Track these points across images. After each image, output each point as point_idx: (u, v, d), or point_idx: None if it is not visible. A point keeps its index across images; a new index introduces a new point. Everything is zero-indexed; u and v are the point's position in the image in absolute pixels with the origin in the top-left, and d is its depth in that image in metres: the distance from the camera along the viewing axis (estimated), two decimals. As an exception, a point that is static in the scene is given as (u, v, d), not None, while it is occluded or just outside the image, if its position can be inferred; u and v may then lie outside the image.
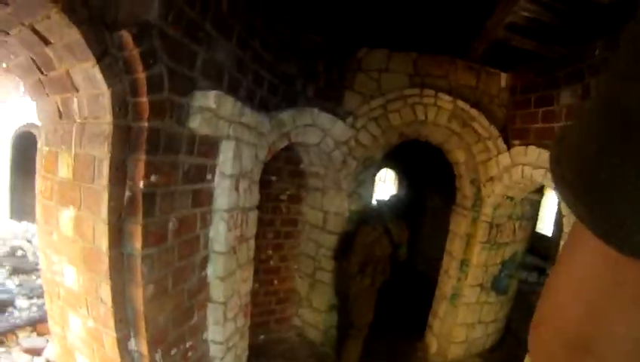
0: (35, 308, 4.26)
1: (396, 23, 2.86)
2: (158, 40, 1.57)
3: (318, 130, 3.15)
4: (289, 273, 3.89)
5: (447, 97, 3.39)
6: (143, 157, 1.57)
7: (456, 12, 2.58)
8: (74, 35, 1.38)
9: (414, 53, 3.43)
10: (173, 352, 1.97)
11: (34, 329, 3.90)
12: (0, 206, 6.97)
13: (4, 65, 1.85)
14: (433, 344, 4.38)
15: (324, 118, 3.11)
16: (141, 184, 1.58)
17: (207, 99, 1.80)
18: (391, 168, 10.21)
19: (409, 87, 3.42)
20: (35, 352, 3.50)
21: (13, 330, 3.83)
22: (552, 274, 0.37)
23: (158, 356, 1.81)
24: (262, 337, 3.80)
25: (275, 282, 3.89)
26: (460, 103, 3.41)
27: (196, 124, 1.81)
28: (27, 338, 3.75)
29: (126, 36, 1.50)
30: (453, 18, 2.66)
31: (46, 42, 1.49)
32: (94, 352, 1.86)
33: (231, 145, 2.06)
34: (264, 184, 3.26)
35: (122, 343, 1.74)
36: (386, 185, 15.33)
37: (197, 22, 1.75)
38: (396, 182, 11.62)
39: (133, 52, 1.52)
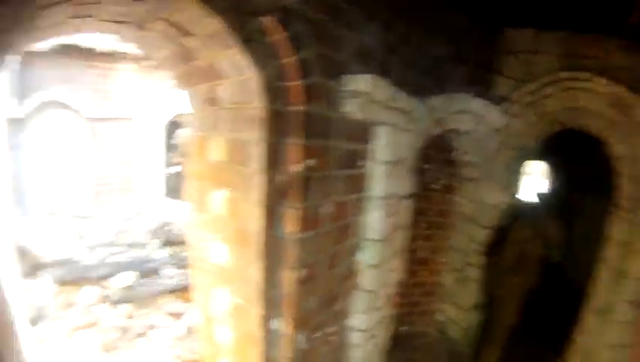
0: (180, 277, 4.71)
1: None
2: (301, 24, 1.56)
3: (471, 117, 3.00)
4: (437, 266, 3.77)
5: (602, 81, 3.02)
6: (298, 141, 1.59)
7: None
8: (215, 24, 1.42)
9: (564, 33, 3.11)
10: (315, 336, 2.01)
11: (177, 296, 4.36)
12: (154, 186, 7.77)
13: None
14: None
15: (478, 104, 2.96)
16: (296, 168, 1.60)
17: (361, 82, 1.77)
18: (542, 160, 9.68)
19: (560, 70, 3.11)
20: (176, 316, 3.89)
21: (158, 295, 4.33)
22: None
23: (300, 337, 1.86)
24: (403, 329, 3.77)
25: (423, 274, 3.80)
26: (616, 88, 3.02)
27: (350, 108, 1.79)
28: (170, 303, 4.20)
29: (269, 22, 1.50)
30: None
31: (187, 33, 1.55)
32: (237, 326, 1.96)
33: (385, 130, 2.02)
34: (417, 172, 3.22)
35: (266, 321, 1.80)
36: (536, 179, 14.60)
37: (340, 5, 1.72)
38: (547, 176, 10.95)
39: (279, 37, 1.52)
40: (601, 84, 3.04)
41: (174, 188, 7.90)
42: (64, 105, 6.67)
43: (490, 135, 3.13)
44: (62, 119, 6.90)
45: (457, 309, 3.69)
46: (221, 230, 1.86)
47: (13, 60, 5.30)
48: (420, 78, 2.45)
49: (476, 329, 3.64)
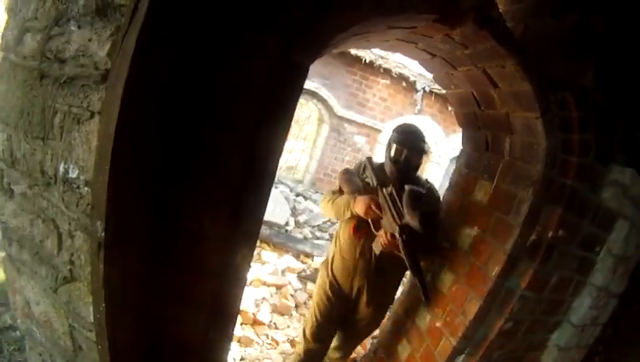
0: None
1: None
2: (591, 107, 1.65)
3: None
4: None
5: None
6: (559, 210, 1.69)
7: None
8: (525, 86, 1.58)
9: None
10: None
11: None
12: None
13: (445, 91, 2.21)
14: None
15: None
16: (550, 233, 1.70)
17: (623, 175, 1.81)
18: None
19: None
20: None
21: None
22: None
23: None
24: None
25: None
26: None
27: (606, 195, 1.82)
28: None
29: (570, 98, 1.62)
30: None
31: (494, 85, 1.74)
32: (422, 347, 2.15)
33: (626, 225, 2.00)
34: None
35: (454, 354, 1.93)
36: None
37: (624, 96, 1.75)
38: None
39: (573, 114, 1.64)
40: None
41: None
42: (319, 98, 7.60)
43: None
44: (312, 109, 7.92)
45: None
46: (456, 260, 2.05)
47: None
48: None
49: None
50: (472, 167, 2.12)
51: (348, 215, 2.18)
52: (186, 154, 0.96)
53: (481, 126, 2.06)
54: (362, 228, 2.22)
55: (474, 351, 1.93)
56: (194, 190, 0.99)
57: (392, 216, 1.98)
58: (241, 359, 3.03)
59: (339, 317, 2.50)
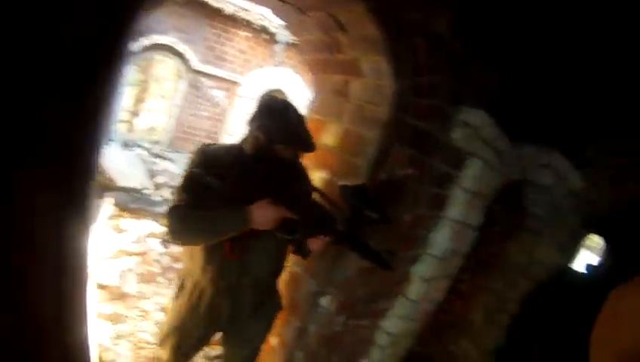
0: None
1: None
2: (444, 53, 1.73)
3: (552, 174, 3.03)
4: (472, 303, 3.79)
5: None
6: (407, 150, 1.76)
7: None
8: (373, 30, 1.58)
9: None
10: (350, 322, 2.14)
11: None
12: None
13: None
14: None
15: (563, 164, 3.00)
16: (398, 172, 1.77)
17: (473, 116, 1.92)
18: (604, 236, 9.26)
19: None
20: None
21: None
22: None
23: (339, 319, 2.02)
24: (416, 348, 3.80)
25: (455, 305, 3.81)
26: None
27: (457, 135, 1.93)
28: None
29: (420, 43, 1.67)
30: None
31: (343, 29, 1.72)
32: (286, 291, 2.10)
33: (478, 163, 2.15)
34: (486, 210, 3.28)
35: (317, 296, 1.97)
36: (593, 253, 13.90)
37: (481, 42, 1.85)
38: (605, 253, 10.34)
39: (423, 58, 1.69)
40: None
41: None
42: (176, 52, 7.17)
43: (565, 196, 3.16)
44: (169, 65, 7.48)
45: (477, 348, 3.71)
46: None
47: None
48: (522, 125, 2.50)
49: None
50: (322, 111, 2.11)
51: (235, 233, 1.53)
52: None
53: (331, 71, 2.05)
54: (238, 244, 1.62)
55: (337, 291, 1.96)
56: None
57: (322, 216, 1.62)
58: (117, 337, 2.83)
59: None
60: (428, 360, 3.78)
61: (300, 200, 1.61)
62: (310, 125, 2.11)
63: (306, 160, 2.06)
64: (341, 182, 1.72)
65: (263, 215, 1.49)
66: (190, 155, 1.62)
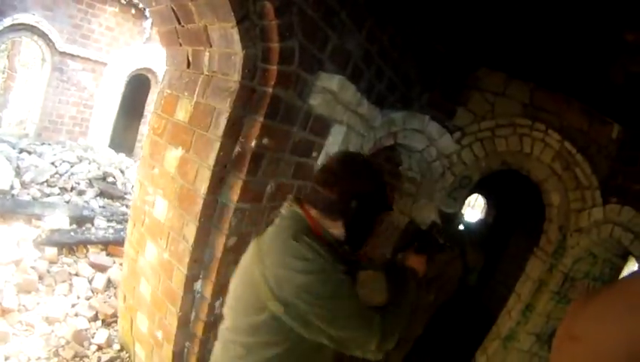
0: (111, 231, 4.56)
1: (518, 50, 2.80)
2: (296, 17, 1.66)
3: (424, 138, 3.16)
4: None
5: (556, 135, 3.31)
6: (260, 119, 1.68)
7: (580, 53, 2.49)
8: None
9: (532, 84, 3.35)
10: None
11: (104, 249, 4.21)
12: (101, 135, 7.57)
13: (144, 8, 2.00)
14: None
15: (433, 127, 3.12)
16: (253, 143, 1.69)
17: (331, 82, 1.87)
18: (483, 196, 10.08)
19: (521, 116, 3.36)
20: (100, 268, 3.77)
21: (85, 244, 4.16)
22: None
23: (218, 303, 1.93)
24: None
25: None
26: (568, 145, 3.32)
27: (316, 102, 1.89)
28: (96, 254, 4.07)
29: (268, 7, 1.59)
30: (576, 56, 2.56)
31: None
32: (160, 282, 2.03)
33: (342, 130, 2.14)
34: None
35: (189, 282, 1.88)
36: (473, 212, 15.08)
37: (335, 8, 1.82)
38: (484, 211, 11.37)
39: (273, 23, 1.61)
40: (554, 138, 3.31)
41: (121, 141, 7.77)
42: (40, 33, 6.42)
43: (438, 158, 3.31)
44: (33, 46, 6.64)
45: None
46: (167, 186, 1.92)
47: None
48: (387, 91, 2.59)
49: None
50: (174, 86, 1.98)
51: None
52: None
53: (182, 42, 1.92)
54: None
55: (208, 273, 1.90)
56: None
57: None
58: (6, 359, 2.55)
59: None
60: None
61: None
62: (164, 102, 1.99)
63: (161, 135, 1.94)
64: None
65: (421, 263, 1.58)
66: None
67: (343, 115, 2.09)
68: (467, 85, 3.36)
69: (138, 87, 7.97)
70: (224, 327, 1.36)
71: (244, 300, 1.28)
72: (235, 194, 1.74)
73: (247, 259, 1.34)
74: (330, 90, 1.89)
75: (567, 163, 3.45)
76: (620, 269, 4.10)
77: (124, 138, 8.12)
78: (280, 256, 1.19)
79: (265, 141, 1.72)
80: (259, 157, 1.74)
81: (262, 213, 1.93)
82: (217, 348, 1.39)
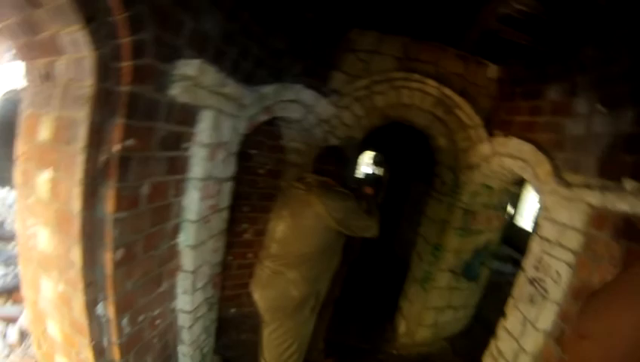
0: (11, 277, 4.21)
1: (389, 6, 2.85)
2: (146, 6, 1.57)
3: (300, 106, 3.16)
4: (255, 248, 3.84)
5: (433, 83, 3.41)
6: (121, 121, 1.58)
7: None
8: None
9: (405, 38, 3.42)
10: (140, 319, 1.99)
11: (9, 298, 3.87)
12: None
13: None
14: (402, 325, 4.47)
15: (308, 95, 3.11)
16: (117, 148, 1.59)
17: (189, 67, 1.80)
18: (376, 152, 10.27)
19: (397, 70, 3.42)
20: (10, 320, 3.46)
21: None
22: None
23: (124, 321, 1.83)
24: (233, 310, 3.81)
25: (249, 256, 3.86)
26: (446, 90, 3.44)
27: (176, 91, 1.82)
28: (2, 307, 3.72)
29: (114, 0, 1.50)
30: (447, 5, 2.66)
31: (35, 5, 1.49)
32: (64, 316, 1.88)
33: (210, 114, 2.08)
34: (244, 157, 3.28)
35: (90, 307, 1.75)
36: (370, 169, 15.36)
37: None
38: (380, 166, 11.56)
39: (121, 17, 1.51)
40: (431, 86, 3.42)
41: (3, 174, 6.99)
42: None
43: (318, 124, 3.34)
44: None
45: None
46: (43, 213, 1.77)
47: None
48: (255, 67, 2.54)
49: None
50: (34, 104, 1.82)
51: None
52: None
53: (35, 55, 1.76)
54: None
55: (105, 293, 1.78)
56: None
57: None
58: None
59: None
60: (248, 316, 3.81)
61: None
62: (26, 123, 1.83)
63: (29, 159, 1.80)
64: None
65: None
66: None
67: (208, 100, 2.04)
68: (341, 48, 3.38)
69: (14, 110, 7.16)
70: (266, 262, 2.56)
71: (302, 227, 2.46)
72: (110, 205, 1.63)
73: (295, 207, 2.50)
74: (189, 76, 1.82)
75: (448, 107, 3.60)
76: (519, 195, 4.34)
77: (4, 169, 7.21)
78: (333, 197, 2.45)
79: (129, 143, 1.62)
80: (126, 161, 1.64)
81: (143, 217, 1.85)
82: (264, 279, 2.56)
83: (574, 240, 2.32)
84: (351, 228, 2.50)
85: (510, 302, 2.84)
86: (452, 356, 4.35)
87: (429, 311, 4.28)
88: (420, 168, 6.82)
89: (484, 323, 2.78)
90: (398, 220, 8.43)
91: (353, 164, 4.32)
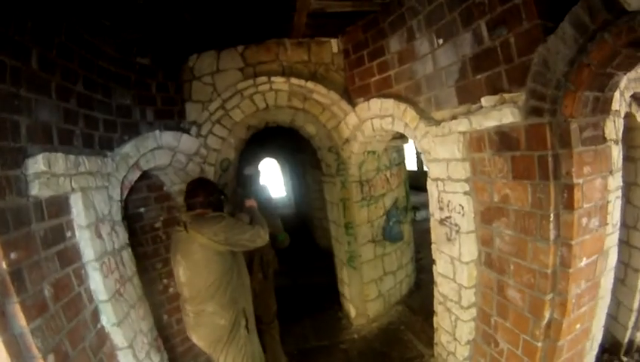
0: None
1: (209, 22, 2.88)
2: None
3: (166, 150, 3.14)
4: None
5: (280, 79, 3.52)
6: (-4, 240, 1.54)
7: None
8: None
9: (241, 47, 3.51)
10: None
11: None
12: None
13: None
14: (351, 309, 4.55)
15: (168, 137, 3.11)
16: (3, 264, 1.54)
17: (37, 163, 1.76)
18: (272, 158, 10.39)
19: (243, 81, 3.49)
20: None
21: None
22: None
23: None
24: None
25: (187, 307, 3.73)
26: (294, 80, 3.54)
27: (36, 189, 1.77)
28: None
29: None
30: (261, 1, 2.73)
31: None
32: None
33: (77, 196, 2.07)
34: (135, 218, 3.25)
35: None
36: (277, 177, 15.66)
37: (10, 92, 1.71)
38: (281, 170, 11.84)
39: None
40: (278, 82, 3.53)
41: None
42: None
43: (190, 160, 3.38)
44: None
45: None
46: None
47: None
48: (107, 132, 2.54)
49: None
50: None
51: None
52: None
53: None
54: None
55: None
56: None
57: None
58: None
59: None
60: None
61: None
62: None
63: None
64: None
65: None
66: None
67: (70, 184, 2.02)
68: (185, 80, 3.44)
69: None
70: (187, 307, 2.65)
71: (195, 263, 2.51)
72: (21, 320, 1.60)
73: (182, 248, 2.55)
74: (42, 171, 1.78)
75: (303, 95, 3.72)
76: (403, 148, 4.71)
77: None
78: (208, 224, 2.49)
79: (14, 256, 1.59)
80: (18, 273, 1.61)
81: (57, 317, 1.81)
82: (191, 322, 2.64)
83: (462, 170, 2.51)
84: (239, 243, 2.54)
85: (433, 248, 3.01)
86: (411, 315, 4.50)
87: (368, 285, 4.41)
88: (311, 158, 6.92)
89: (430, 272, 3.06)
90: (309, 215, 8.53)
91: (245, 178, 4.33)
